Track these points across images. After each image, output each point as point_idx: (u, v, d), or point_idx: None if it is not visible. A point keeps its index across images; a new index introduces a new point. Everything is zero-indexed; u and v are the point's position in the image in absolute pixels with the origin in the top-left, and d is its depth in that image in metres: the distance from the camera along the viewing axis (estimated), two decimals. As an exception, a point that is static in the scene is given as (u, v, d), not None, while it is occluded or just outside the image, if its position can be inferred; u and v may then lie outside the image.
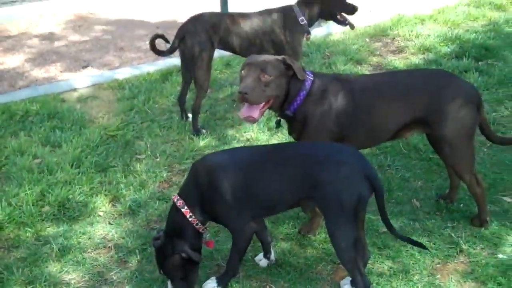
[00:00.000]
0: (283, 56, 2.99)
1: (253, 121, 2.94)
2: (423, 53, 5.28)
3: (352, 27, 4.31)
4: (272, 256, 2.94)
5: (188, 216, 2.65)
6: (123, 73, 5.11)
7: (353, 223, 2.47)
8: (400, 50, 5.44)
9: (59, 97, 4.69)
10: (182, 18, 4.37)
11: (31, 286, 2.84)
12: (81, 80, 5.00)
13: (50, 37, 6.25)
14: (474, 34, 5.62)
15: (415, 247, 2.97)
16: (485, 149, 3.87)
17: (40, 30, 6.46)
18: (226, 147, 3.95)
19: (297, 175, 2.54)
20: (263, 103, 2.88)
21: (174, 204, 2.69)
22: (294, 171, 2.55)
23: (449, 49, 5.32)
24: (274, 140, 4.05)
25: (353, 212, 2.45)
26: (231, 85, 4.84)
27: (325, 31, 5.97)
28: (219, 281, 2.77)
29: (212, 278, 2.80)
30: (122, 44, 5.97)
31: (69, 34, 6.33)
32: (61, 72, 5.36)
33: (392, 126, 3.00)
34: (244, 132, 4.17)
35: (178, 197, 2.69)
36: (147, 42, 5.70)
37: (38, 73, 5.35)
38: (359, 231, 2.61)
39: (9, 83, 5.16)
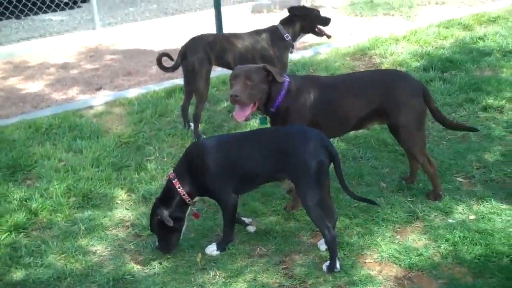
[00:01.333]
0: (263, 64, 3.69)
1: (246, 119, 3.62)
2: (396, 68, 5.98)
3: (328, 36, 5.08)
4: (249, 220, 3.58)
5: (177, 187, 3.31)
6: (132, 93, 5.80)
7: (318, 186, 3.11)
8: (376, 66, 6.14)
9: (78, 113, 5.37)
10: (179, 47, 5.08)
11: (64, 255, 3.46)
12: (96, 99, 5.70)
13: (65, 66, 6.97)
14: (442, 50, 6.34)
15: (379, 217, 3.61)
16: (444, 142, 4.53)
17: (56, 61, 7.18)
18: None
19: (272, 151, 3.20)
20: (251, 104, 3.55)
21: (169, 177, 3.36)
22: (270, 148, 3.22)
23: (418, 64, 6.02)
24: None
25: (317, 176, 3.09)
26: (226, 100, 5.51)
27: (311, 52, 6.68)
28: (218, 246, 3.41)
29: (212, 243, 3.44)
30: (130, 70, 6.68)
31: (82, 63, 7.05)
32: (77, 94, 6.06)
33: (355, 116, 3.66)
34: (239, 136, 4.83)
35: (172, 172, 3.36)
36: (153, 67, 6.47)
37: (57, 96, 6.05)
38: (326, 197, 3.26)
39: (32, 104, 5.86)
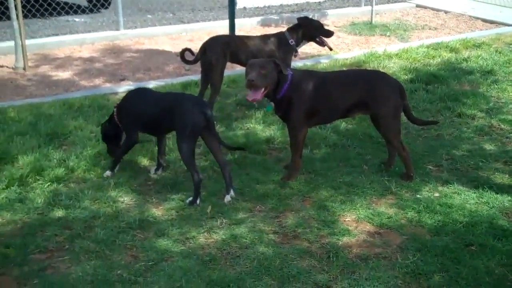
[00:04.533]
0: (273, 58, 4.46)
1: (257, 101, 4.39)
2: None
3: (330, 48, 5.89)
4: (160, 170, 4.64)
5: (114, 114, 4.47)
6: (152, 84, 6.58)
7: (192, 140, 4.08)
8: (369, 76, 6.93)
9: (105, 97, 6.13)
10: (195, 49, 5.90)
11: (98, 201, 4.17)
12: (120, 88, 6.48)
13: (91, 59, 7.76)
14: (428, 67, 7.15)
15: (359, 189, 4.35)
16: (420, 139, 5.30)
17: (82, 55, 7.97)
18: (231, 134, 5.36)
19: (165, 111, 4.18)
20: (263, 89, 4.30)
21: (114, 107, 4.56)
22: (164, 107, 4.21)
23: (406, 77, 6.81)
24: (267, 130, 5.45)
25: (193, 133, 4.05)
26: (236, 95, 6.28)
27: (313, 62, 7.49)
28: (109, 168, 4.57)
29: (107, 172, 4.53)
30: (150, 66, 7.46)
31: (106, 58, 7.82)
32: (103, 82, 6.83)
33: (344, 105, 4.42)
34: (245, 124, 5.59)
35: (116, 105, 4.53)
36: (170, 65, 7.26)
37: (85, 83, 6.82)
38: (218, 155, 4.25)
39: (63, 89, 6.62)
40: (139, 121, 4.38)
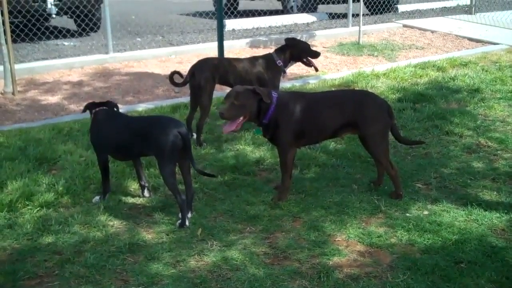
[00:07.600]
0: (254, 87, 4.45)
1: (232, 132, 4.39)
2: (375, 98, 6.82)
3: (316, 69, 5.92)
4: (146, 184, 4.63)
5: None
6: (142, 107, 6.60)
7: (172, 161, 4.07)
8: (357, 96, 6.99)
9: (95, 120, 6.14)
10: (184, 71, 5.94)
11: (87, 225, 4.16)
12: (110, 111, 6.48)
13: (80, 83, 7.78)
14: (416, 86, 7.22)
15: (349, 209, 4.37)
16: (409, 157, 5.34)
17: (72, 79, 7.99)
18: (220, 156, 5.38)
19: (140, 134, 4.18)
20: (240, 119, 4.30)
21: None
22: (137, 131, 4.21)
23: (394, 96, 6.88)
24: (257, 151, 5.48)
25: (172, 154, 4.03)
26: (226, 117, 6.30)
27: (301, 82, 7.54)
28: (100, 196, 4.51)
29: (96, 196, 4.55)
30: (139, 89, 7.49)
31: (95, 82, 7.85)
32: (92, 106, 6.84)
33: (332, 126, 4.45)
34: (235, 145, 5.61)
35: None
36: (159, 87, 7.29)
37: (75, 107, 6.83)
38: (186, 176, 4.22)
39: (53, 113, 6.63)
40: (107, 145, 4.34)
